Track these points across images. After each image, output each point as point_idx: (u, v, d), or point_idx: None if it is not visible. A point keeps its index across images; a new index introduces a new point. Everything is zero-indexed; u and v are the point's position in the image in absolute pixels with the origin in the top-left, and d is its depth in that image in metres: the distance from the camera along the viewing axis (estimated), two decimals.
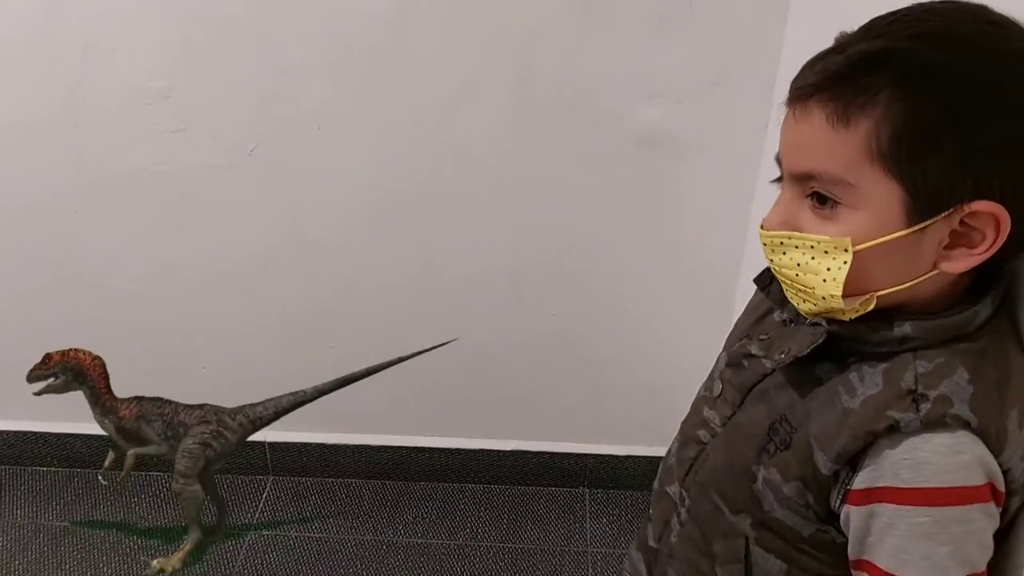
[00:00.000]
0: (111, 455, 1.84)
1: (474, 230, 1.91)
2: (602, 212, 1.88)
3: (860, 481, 0.69)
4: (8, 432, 2.23)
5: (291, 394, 1.81)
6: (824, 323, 0.74)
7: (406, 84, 1.75)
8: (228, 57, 1.74)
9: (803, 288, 0.72)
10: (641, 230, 1.88)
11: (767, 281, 0.84)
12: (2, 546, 2.03)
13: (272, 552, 2.03)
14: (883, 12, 0.70)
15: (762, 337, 0.83)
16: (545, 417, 2.16)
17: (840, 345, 0.73)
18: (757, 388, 0.80)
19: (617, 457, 2.17)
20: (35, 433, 2.21)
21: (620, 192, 1.85)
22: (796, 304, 0.75)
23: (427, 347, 1.84)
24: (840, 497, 0.72)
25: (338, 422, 2.19)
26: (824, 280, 0.69)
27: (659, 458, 2.19)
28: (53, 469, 2.26)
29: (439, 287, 1.97)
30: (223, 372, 2.10)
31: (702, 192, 1.84)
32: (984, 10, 0.67)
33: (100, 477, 1.84)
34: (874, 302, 0.70)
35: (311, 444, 2.21)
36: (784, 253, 0.72)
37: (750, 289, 0.89)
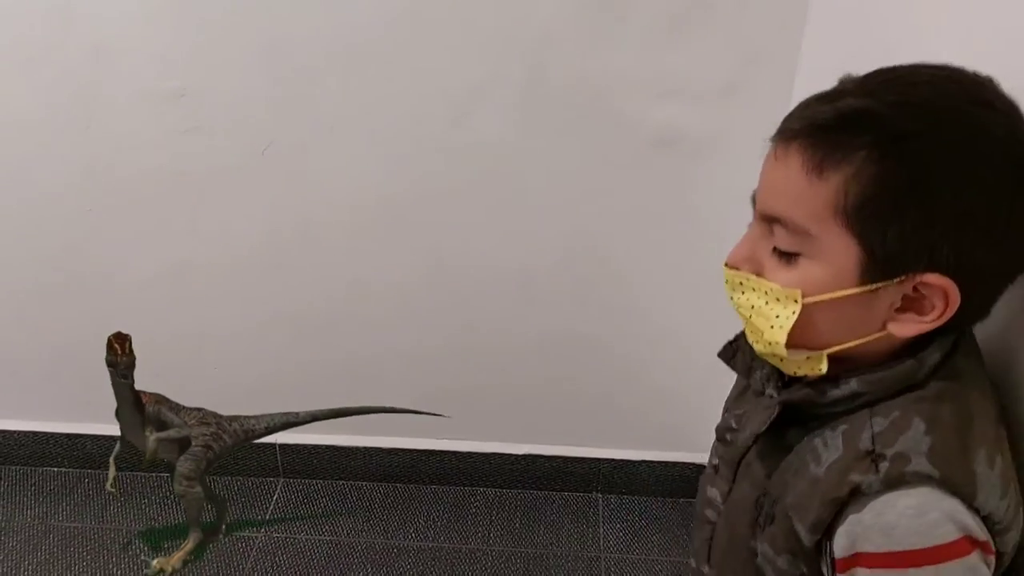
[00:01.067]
0: (113, 468, 1.84)
1: (485, 232, 1.89)
2: (615, 214, 1.86)
3: (838, 550, 0.68)
4: (19, 432, 2.22)
5: (284, 414, 1.87)
6: (776, 394, 0.76)
7: (418, 85, 1.74)
8: (242, 57, 1.73)
9: (754, 331, 0.74)
10: (655, 232, 1.86)
11: (730, 354, 0.85)
12: (12, 547, 2.02)
13: (282, 554, 2.02)
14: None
15: (737, 412, 0.85)
16: (558, 421, 2.14)
17: (800, 410, 0.73)
18: (743, 462, 0.81)
19: (631, 462, 2.16)
20: (45, 433, 2.21)
21: (634, 194, 1.83)
22: (752, 342, 0.76)
23: (421, 411, 1.94)
24: (829, 567, 0.70)
25: (349, 424, 2.16)
26: (771, 326, 0.70)
27: (674, 464, 2.20)
28: (64, 469, 2.26)
29: (450, 288, 1.96)
30: (234, 371, 2.10)
31: (718, 194, 1.81)
32: (980, 88, 0.67)
33: (108, 487, 1.84)
34: (825, 363, 0.70)
35: (322, 446, 2.20)
36: (743, 293, 0.74)
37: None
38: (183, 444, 1.80)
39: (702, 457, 2.11)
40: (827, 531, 0.69)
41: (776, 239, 0.71)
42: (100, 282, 2.00)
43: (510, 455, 2.17)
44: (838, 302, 0.68)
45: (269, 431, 1.88)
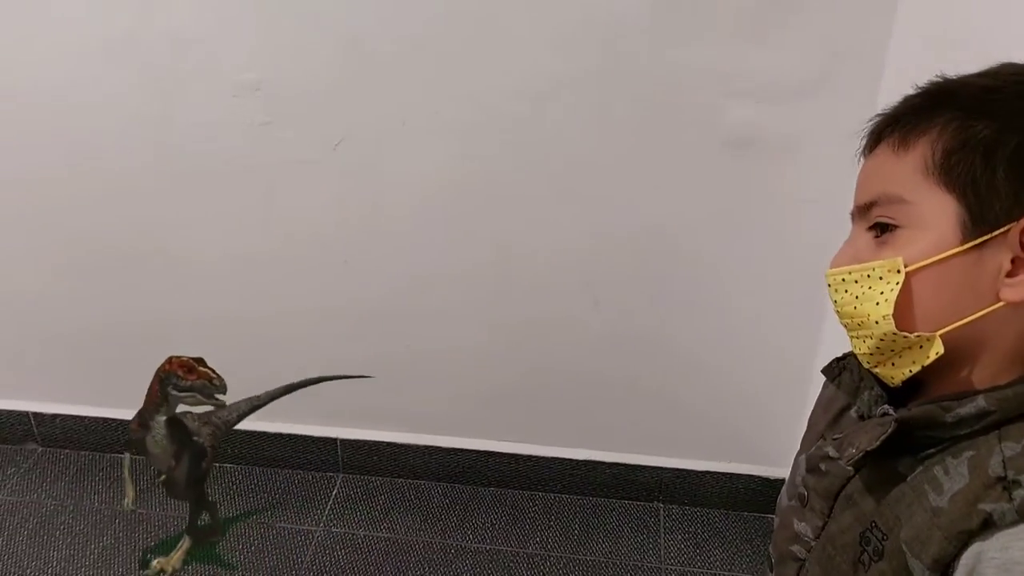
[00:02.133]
0: (132, 487, 1.80)
1: (551, 230, 1.87)
2: (686, 216, 1.82)
3: None
4: (90, 418, 2.28)
5: (248, 399, 1.82)
6: (892, 411, 0.70)
7: (490, 80, 1.73)
8: (318, 52, 1.74)
9: (861, 322, 0.69)
10: (730, 233, 1.82)
11: (836, 372, 0.81)
12: (80, 530, 2.07)
13: (340, 549, 2.02)
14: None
15: (836, 437, 0.78)
16: (620, 427, 2.10)
17: (916, 434, 0.67)
18: (843, 494, 0.74)
19: (694, 472, 2.10)
20: (115, 420, 2.25)
21: (706, 195, 1.78)
22: (856, 349, 0.71)
23: (347, 375, 1.86)
24: None
25: (409, 422, 2.17)
26: (877, 303, 0.67)
27: (739, 476, 2.14)
28: (132, 456, 2.29)
29: (515, 288, 1.94)
30: (299, 362, 2.10)
31: (793, 198, 1.76)
32: None
33: (128, 504, 1.79)
34: (939, 345, 0.66)
35: (382, 443, 2.20)
36: (846, 291, 0.71)
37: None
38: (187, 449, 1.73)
39: (769, 471, 2.06)
40: (948, 566, 0.63)
41: (873, 217, 0.69)
42: (171, 272, 2.03)
43: (570, 460, 2.14)
44: (943, 269, 0.64)
45: (240, 419, 1.81)
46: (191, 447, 1.72)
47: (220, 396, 1.62)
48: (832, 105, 1.65)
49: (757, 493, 2.10)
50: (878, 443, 0.67)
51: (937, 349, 0.66)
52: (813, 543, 0.78)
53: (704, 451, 2.09)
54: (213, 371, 1.62)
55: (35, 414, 2.30)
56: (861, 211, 0.71)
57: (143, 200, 1.95)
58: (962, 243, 0.63)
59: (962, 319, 0.65)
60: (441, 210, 1.87)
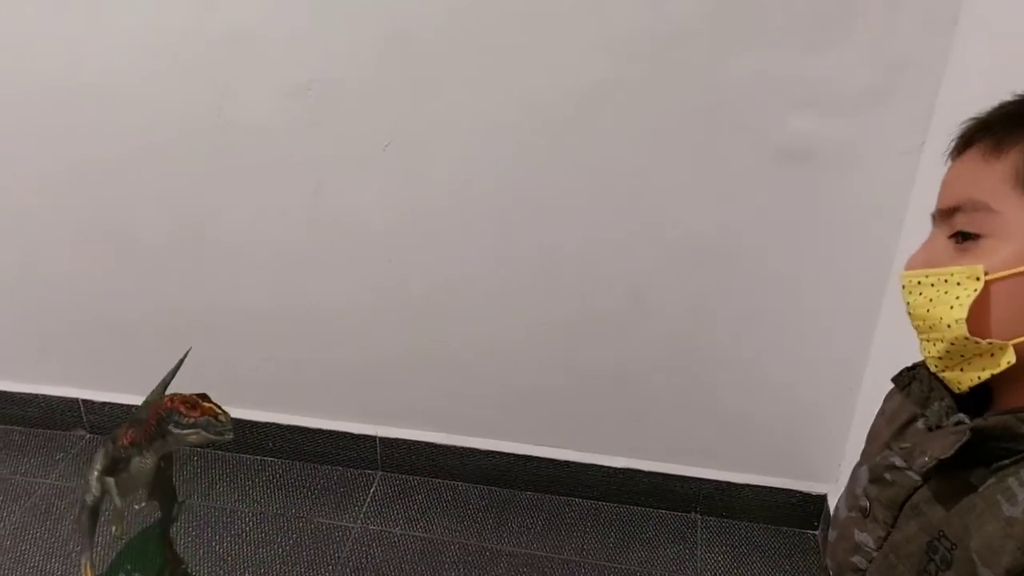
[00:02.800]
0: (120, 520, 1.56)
1: (598, 233, 1.86)
2: (734, 228, 1.80)
3: None
4: (137, 407, 2.31)
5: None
6: (967, 420, 0.69)
7: (541, 84, 1.72)
8: (369, 52, 1.75)
9: (932, 325, 0.68)
10: (776, 249, 1.79)
11: (906, 381, 0.79)
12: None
13: (376, 547, 2.03)
14: None
15: (903, 446, 0.77)
16: (660, 436, 2.08)
17: (989, 444, 0.66)
18: (908, 503, 0.74)
19: (734, 485, 2.07)
20: None
21: (754, 208, 1.76)
22: (925, 353, 0.71)
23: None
24: None
25: (448, 423, 2.18)
26: (951, 307, 0.66)
27: (780, 490, 2.11)
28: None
29: (559, 290, 1.93)
30: (342, 360, 2.13)
31: (846, 213, 1.73)
32: None
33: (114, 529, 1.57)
34: (1012, 354, 0.65)
35: (421, 443, 2.20)
36: (920, 293, 0.70)
37: (889, 325, 0.83)
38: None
39: (812, 486, 2.03)
40: None
41: (956, 224, 0.67)
42: (219, 263, 2.06)
43: (608, 467, 2.13)
44: (1022, 281, 0.63)
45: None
46: (169, 493, 1.63)
47: (226, 434, 1.46)
48: (891, 116, 1.61)
49: (798, 508, 2.06)
50: (953, 451, 0.66)
51: (1009, 358, 0.65)
52: (875, 553, 0.77)
53: (745, 463, 2.06)
54: (218, 407, 1.49)
55: (84, 401, 2.35)
56: (943, 215, 0.69)
57: (196, 194, 1.98)
58: None
59: None
60: (487, 211, 1.88)
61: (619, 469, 2.12)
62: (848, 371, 1.88)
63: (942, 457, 0.68)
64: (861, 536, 0.78)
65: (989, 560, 0.63)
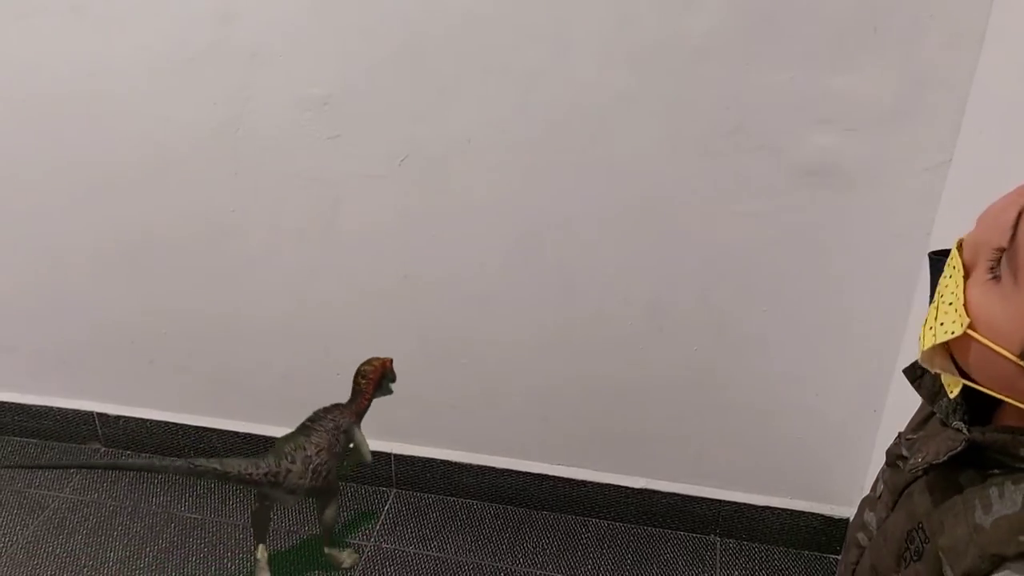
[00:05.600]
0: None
1: (617, 256, 1.84)
2: (755, 246, 1.77)
3: None
4: (151, 421, 2.31)
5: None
6: (965, 428, 0.70)
7: (559, 102, 1.71)
8: (385, 68, 1.75)
9: (928, 320, 0.70)
10: (797, 269, 1.76)
11: (917, 374, 0.78)
12: (136, 532, 2.10)
13: (389, 565, 2.01)
14: None
15: (910, 437, 0.81)
16: (678, 457, 2.05)
17: (984, 453, 0.68)
18: (907, 491, 0.77)
19: (753, 507, 2.04)
20: (175, 424, 2.29)
21: (777, 225, 1.73)
22: (921, 335, 0.71)
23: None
24: None
25: (464, 441, 2.16)
26: (930, 328, 0.68)
27: (801, 513, 2.07)
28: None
29: (577, 310, 1.91)
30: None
31: (870, 232, 1.70)
32: None
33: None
34: (957, 389, 0.67)
35: (435, 460, 2.18)
36: (950, 276, 0.69)
37: (915, 345, 0.82)
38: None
39: (833, 509, 1.99)
40: None
41: (1005, 253, 0.63)
42: (236, 278, 2.06)
43: (626, 488, 2.09)
44: (994, 353, 0.62)
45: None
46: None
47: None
48: (916, 133, 1.59)
49: (819, 532, 2.02)
50: (944, 458, 0.69)
51: (953, 391, 0.67)
52: (875, 533, 0.81)
53: (765, 485, 2.03)
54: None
55: (99, 415, 2.35)
56: (1016, 228, 0.64)
57: (213, 209, 1.98)
58: (1020, 357, 0.61)
59: (998, 393, 0.64)
60: (504, 227, 1.86)
61: (636, 489, 2.09)
62: (872, 392, 1.84)
63: (933, 462, 0.70)
64: (868, 515, 0.83)
65: (952, 560, 0.65)
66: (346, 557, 1.99)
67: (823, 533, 2.02)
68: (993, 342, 0.62)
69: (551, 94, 1.70)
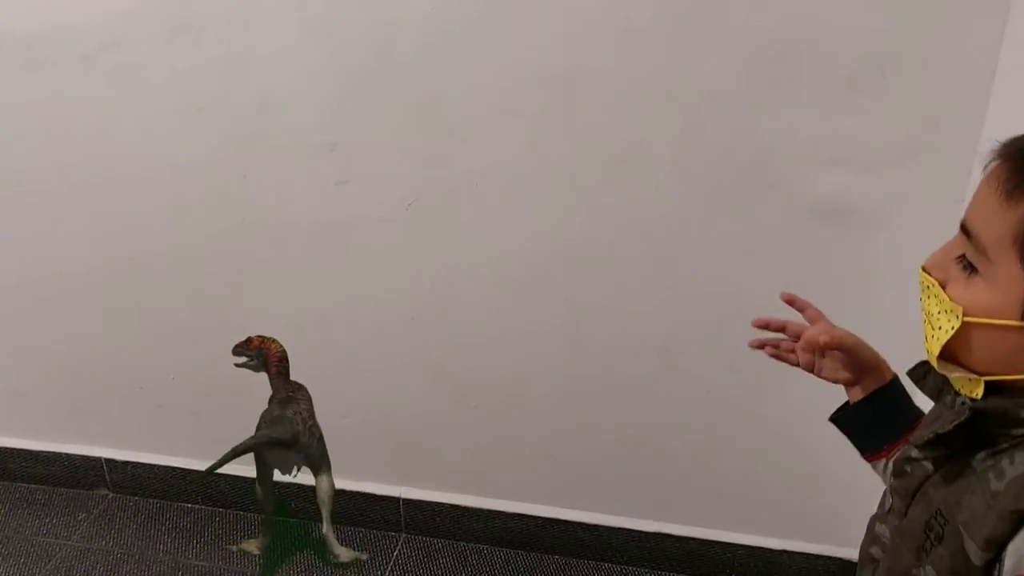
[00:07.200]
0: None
1: (627, 296, 1.82)
2: (768, 285, 1.73)
3: (1007, 571, 0.64)
4: (160, 467, 2.30)
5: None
6: (969, 400, 0.73)
7: (569, 144, 1.71)
8: (393, 114, 1.75)
9: (926, 336, 0.74)
10: (816, 305, 1.73)
11: (921, 374, 0.83)
12: None
13: None
14: None
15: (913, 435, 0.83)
16: (691, 500, 2.01)
17: (991, 429, 0.70)
18: (920, 491, 0.78)
19: (771, 551, 1.99)
20: (184, 470, 2.27)
21: (790, 266, 1.72)
22: (927, 347, 0.75)
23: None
24: None
25: (474, 484, 2.13)
26: (932, 336, 0.72)
27: (819, 556, 2.03)
28: (197, 507, 2.31)
29: (586, 352, 1.89)
30: (365, 421, 2.09)
31: (883, 272, 1.68)
32: None
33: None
34: (980, 389, 0.70)
35: (445, 504, 2.15)
36: (928, 297, 0.74)
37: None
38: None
39: (851, 553, 1.94)
40: (1000, 548, 0.65)
41: (966, 249, 0.71)
42: (245, 325, 2.04)
43: (638, 532, 2.06)
44: (997, 331, 0.67)
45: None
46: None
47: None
48: (928, 173, 1.57)
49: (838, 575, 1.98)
50: (951, 427, 0.71)
51: (978, 391, 0.69)
52: (890, 541, 0.81)
53: (782, 528, 1.99)
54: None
55: (107, 460, 2.33)
56: (964, 229, 0.71)
57: (223, 255, 1.98)
58: (1021, 319, 0.65)
59: (1007, 375, 0.68)
60: (513, 270, 1.85)
61: (649, 533, 2.05)
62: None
63: (940, 432, 0.72)
64: (880, 528, 0.84)
65: (972, 531, 0.66)
66: (344, 551, 1.91)
67: None
68: (993, 320, 0.67)
69: (561, 140, 1.70)
